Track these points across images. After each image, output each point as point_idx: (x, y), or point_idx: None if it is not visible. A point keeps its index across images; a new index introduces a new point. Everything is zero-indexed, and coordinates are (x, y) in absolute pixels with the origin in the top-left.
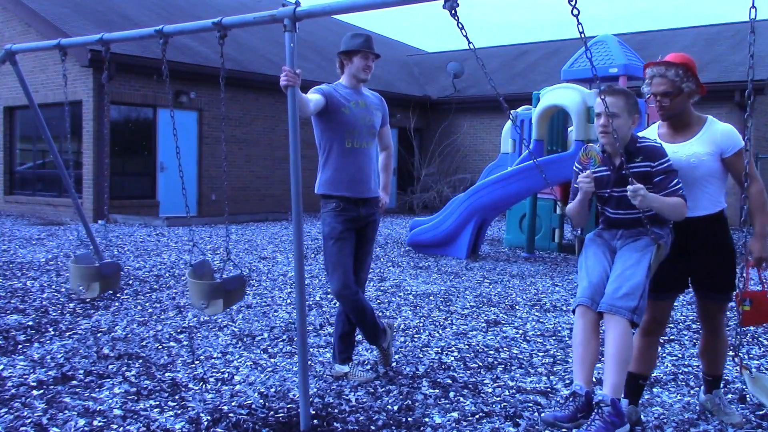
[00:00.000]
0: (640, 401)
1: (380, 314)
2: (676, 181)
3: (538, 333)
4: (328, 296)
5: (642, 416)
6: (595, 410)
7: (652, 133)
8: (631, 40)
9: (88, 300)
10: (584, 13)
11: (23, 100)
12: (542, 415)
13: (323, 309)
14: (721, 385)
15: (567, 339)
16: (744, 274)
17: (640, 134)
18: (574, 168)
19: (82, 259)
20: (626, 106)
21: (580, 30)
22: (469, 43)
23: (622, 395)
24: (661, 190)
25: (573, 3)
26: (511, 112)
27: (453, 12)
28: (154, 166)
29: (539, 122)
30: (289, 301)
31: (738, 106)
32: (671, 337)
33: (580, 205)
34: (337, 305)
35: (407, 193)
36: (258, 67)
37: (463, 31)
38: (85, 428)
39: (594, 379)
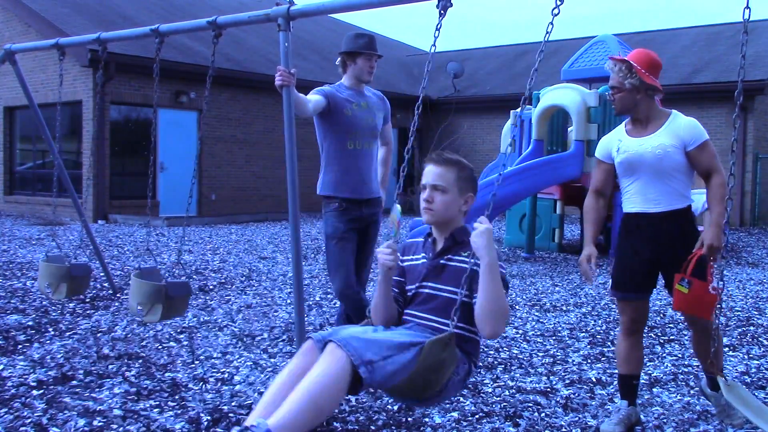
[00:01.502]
0: (639, 401)
1: None
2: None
3: (538, 333)
4: (328, 296)
5: (642, 416)
6: None
7: (620, 131)
8: (631, 40)
9: (87, 300)
10: (584, 12)
11: (23, 100)
12: None
13: (323, 309)
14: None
15: (567, 339)
16: (689, 260)
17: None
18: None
19: (54, 259)
20: (457, 180)
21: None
22: (433, 45)
23: (620, 394)
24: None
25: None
26: (511, 111)
27: (443, 11)
28: (154, 166)
29: (539, 122)
30: (289, 301)
31: (738, 106)
32: (671, 337)
33: (380, 292)
34: (337, 305)
35: (407, 193)
36: (258, 67)
37: (437, 33)
38: (85, 428)
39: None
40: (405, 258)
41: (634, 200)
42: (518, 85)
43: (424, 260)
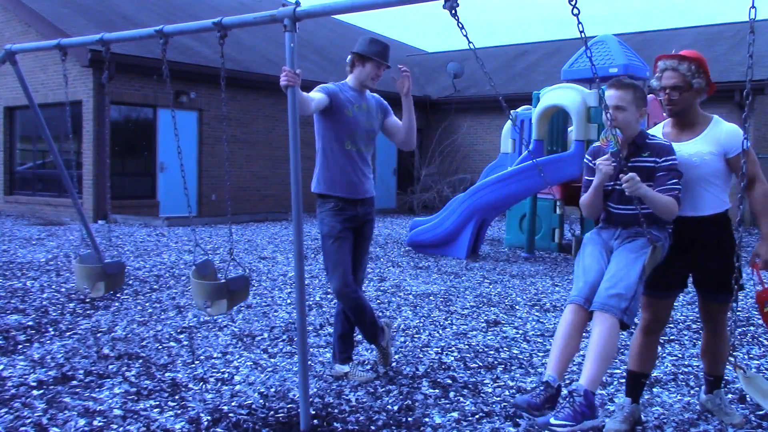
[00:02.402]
0: (640, 401)
1: (380, 314)
2: (675, 181)
3: (538, 333)
4: (328, 296)
5: (642, 416)
6: (567, 398)
7: (657, 132)
8: (631, 40)
9: (87, 299)
10: (584, 12)
11: (23, 100)
12: (515, 398)
13: (323, 309)
14: (722, 385)
15: None
16: (755, 276)
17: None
18: (585, 160)
19: (87, 259)
20: (634, 99)
21: (581, 29)
22: (469, 42)
23: (625, 392)
24: (658, 186)
25: (573, 3)
26: (511, 111)
27: (453, 12)
28: (154, 166)
29: (539, 122)
30: (289, 301)
31: (738, 106)
32: (671, 337)
33: (595, 192)
34: (337, 305)
35: (407, 193)
36: (258, 67)
37: (463, 30)
38: (85, 428)
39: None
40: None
41: None
42: (518, 85)
43: (615, 164)
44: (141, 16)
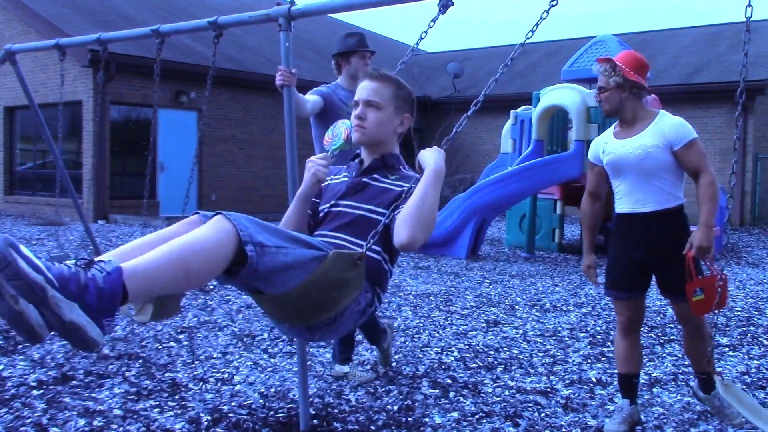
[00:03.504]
0: (639, 401)
1: (380, 314)
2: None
3: (538, 333)
4: None
5: (642, 416)
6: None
7: (609, 134)
8: (631, 40)
9: None
10: (584, 12)
11: (23, 100)
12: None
13: None
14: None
15: (567, 339)
16: (688, 265)
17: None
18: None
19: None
20: (393, 98)
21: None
22: (423, 32)
23: (621, 394)
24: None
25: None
26: (511, 111)
27: (443, 9)
28: (154, 166)
29: (539, 122)
30: None
31: (740, 105)
32: (671, 337)
33: (298, 204)
34: None
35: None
36: (258, 67)
37: (431, 23)
38: (85, 428)
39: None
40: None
41: (623, 201)
42: (518, 85)
43: (346, 178)
44: (141, 16)
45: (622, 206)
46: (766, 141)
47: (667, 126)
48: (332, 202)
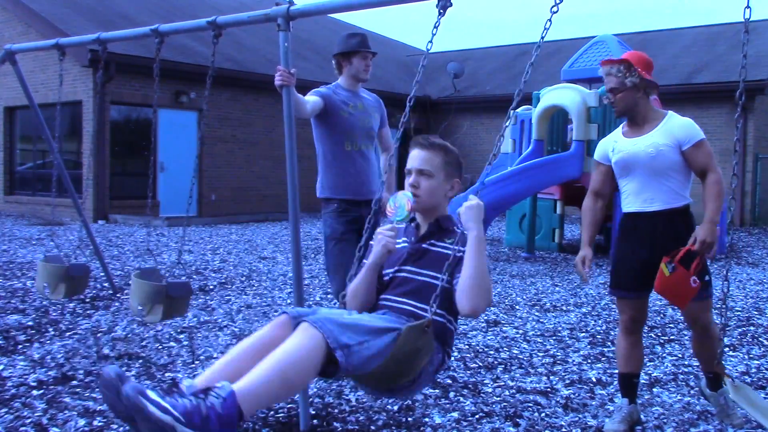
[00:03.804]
0: (639, 401)
1: None
2: None
3: (538, 333)
4: (328, 296)
5: (642, 416)
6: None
7: (617, 134)
8: (632, 40)
9: (87, 300)
10: (584, 12)
11: (23, 100)
12: None
13: None
14: (724, 383)
15: (567, 339)
16: (682, 253)
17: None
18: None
19: (53, 260)
20: (443, 165)
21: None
22: (429, 42)
23: (621, 393)
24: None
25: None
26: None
27: (442, 11)
28: (155, 166)
29: (539, 122)
30: (289, 301)
31: (740, 106)
32: (671, 337)
33: (369, 273)
34: (336, 306)
35: None
36: (258, 67)
37: (434, 30)
38: (85, 428)
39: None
40: None
41: (630, 200)
42: (518, 85)
43: (406, 244)
44: (141, 16)
45: (629, 205)
46: (766, 141)
47: (676, 126)
48: (396, 267)
